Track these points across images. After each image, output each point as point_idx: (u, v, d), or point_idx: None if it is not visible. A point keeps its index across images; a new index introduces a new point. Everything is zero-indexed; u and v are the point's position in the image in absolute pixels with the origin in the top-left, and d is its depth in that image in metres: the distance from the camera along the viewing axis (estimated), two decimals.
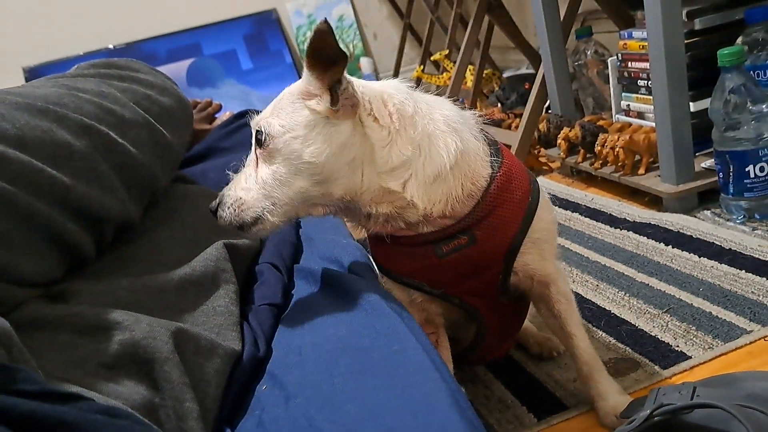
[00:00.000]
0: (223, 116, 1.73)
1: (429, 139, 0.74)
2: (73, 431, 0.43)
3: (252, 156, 0.76)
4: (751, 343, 0.95)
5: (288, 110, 0.74)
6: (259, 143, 0.74)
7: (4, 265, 0.59)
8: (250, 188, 0.75)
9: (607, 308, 1.12)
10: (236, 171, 0.80)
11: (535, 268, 0.82)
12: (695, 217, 1.38)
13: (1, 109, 0.67)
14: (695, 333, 0.99)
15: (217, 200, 0.77)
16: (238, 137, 1.50)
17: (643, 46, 1.56)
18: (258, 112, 1.67)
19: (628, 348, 1.00)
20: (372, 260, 0.85)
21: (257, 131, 0.74)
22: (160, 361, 0.59)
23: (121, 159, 0.76)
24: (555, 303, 0.85)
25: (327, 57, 0.70)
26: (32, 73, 3.45)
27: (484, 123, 0.82)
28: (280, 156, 0.73)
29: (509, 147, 1.86)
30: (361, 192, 0.74)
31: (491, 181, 0.77)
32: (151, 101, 0.90)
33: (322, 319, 0.71)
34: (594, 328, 1.07)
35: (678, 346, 0.98)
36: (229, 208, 0.75)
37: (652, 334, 1.02)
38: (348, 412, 0.53)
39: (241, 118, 1.56)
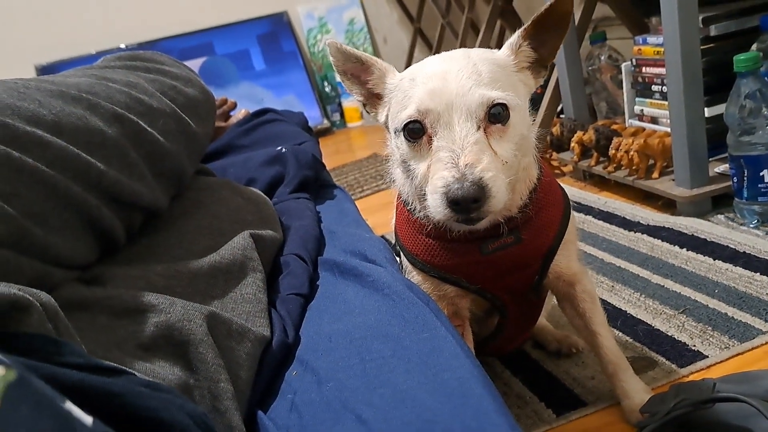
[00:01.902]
0: (238, 114, 1.75)
1: None
2: (120, 400, 0.44)
3: (466, 133, 0.68)
4: (767, 343, 0.96)
5: (508, 81, 0.72)
6: (495, 118, 0.69)
7: (44, 244, 0.61)
8: (492, 168, 0.67)
9: (623, 309, 1.13)
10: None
11: (562, 267, 0.83)
12: (709, 221, 1.39)
13: (38, 96, 0.68)
14: (711, 333, 1.00)
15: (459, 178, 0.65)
16: (255, 135, 1.51)
17: (657, 51, 1.58)
18: (276, 111, 1.69)
19: (645, 347, 1.01)
20: (399, 255, 0.87)
21: (497, 105, 0.68)
22: (194, 343, 0.60)
23: (150, 147, 0.78)
24: (580, 302, 0.86)
25: (555, 22, 0.72)
26: (44, 71, 3.48)
27: None
28: (514, 131, 0.70)
29: None
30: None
31: (537, 183, 0.79)
32: (176, 91, 0.91)
33: (350, 308, 0.72)
34: (611, 327, 1.08)
35: (695, 346, 0.98)
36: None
37: (669, 333, 1.03)
38: (383, 395, 0.54)
39: (259, 116, 1.58)
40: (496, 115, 0.69)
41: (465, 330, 0.87)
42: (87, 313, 0.60)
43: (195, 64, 3.64)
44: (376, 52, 3.99)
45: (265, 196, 1.02)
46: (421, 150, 0.71)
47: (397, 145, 0.75)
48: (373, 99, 0.80)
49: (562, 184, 1.82)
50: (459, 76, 0.69)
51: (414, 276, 0.84)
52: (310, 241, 0.89)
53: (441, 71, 0.70)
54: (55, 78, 0.79)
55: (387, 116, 0.78)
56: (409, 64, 3.87)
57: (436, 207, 0.67)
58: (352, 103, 3.74)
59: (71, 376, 0.44)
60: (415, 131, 0.70)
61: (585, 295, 0.87)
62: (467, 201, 0.64)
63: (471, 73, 0.69)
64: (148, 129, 0.78)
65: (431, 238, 0.80)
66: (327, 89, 3.79)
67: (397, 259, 0.89)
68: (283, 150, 1.25)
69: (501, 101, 0.68)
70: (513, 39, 0.75)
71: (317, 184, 1.25)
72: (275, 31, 3.77)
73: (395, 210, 0.88)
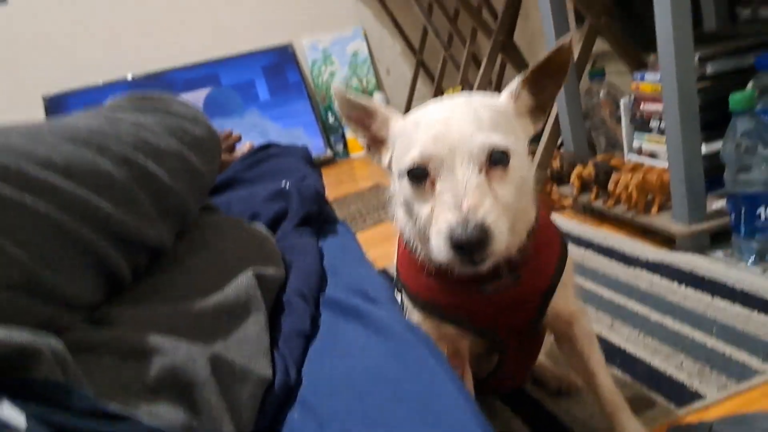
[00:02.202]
0: (243, 147, 1.77)
1: None
2: None
3: (469, 177, 0.69)
4: (764, 383, 0.96)
5: (508, 127, 0.74)
6: (496, 162, 0.71)
7: (54, 286, 0.62)
8: (494, 211, 0.68)
9: (622, 346, 1.14)
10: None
11: (560, 307, 0.84)
12: (707, 257, 1.40)
13: (51, 140, 0.70)
14: (709, 372, 1.01)
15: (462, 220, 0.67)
16: (259, 169, 1.54)
17: (655, 88, 1.60)
18: (280, 145, 1.71)
19: (643, 386, 1.02)
20: (400, 292, 0.88)
21: (496, 150, 0.70)
22: (198, 385, 0.61)
23: (156, 187, 0.79)
24: (578, 342, 0.87)
25: (553, 71, 0.75)
26: (52, 102, 3.53)
27: None
28: (514, 174, 0.72)
29: None
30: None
31: (536, 224, 0.81)
32: (183, 131, 0.94)
33: (351, 349, 0.73)
34: (609, 366, 1.08)
35: (692, 385, 0.99)
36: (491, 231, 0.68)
37: (667, 372, 1.04)
38: None
39: (263, 150, 1.61)
40: (497, 159, 0.71)
41: (464, 370, 0.88)
42: (94, 354, 0.61)
43: (201, 94, 3.70)
44: (379, 83, 4.04)
45: (269, 232, 1.03)
46: (424, 193, 0.73)
47: (400, 188, 0.77)
48: (376, 143, 0.82)
49: (562, 217, 1.85)
50: (461, 122, 0.71)
51: (415, 315, 0.85)
52: (313, 279, 0.91)
53: (443, 117, 0.73)
54: (67, 121, 0.81)
55: (391, 159, 0.80)
56: (411, 94, 3.92)
57: (440, 249, 0.68)
58: None
59: (78, 423, 0.45)
60: (419, 175, 0.72)
61: (583, 335, 0.88)
62: (471, 244, 0.66)
63: (473, 119, 0.72)
64: (156, 169, 0.80)
65: (432, 277, 0.81)
66: (330, 119, 3.83)
67: (398, 296, 0.91)
68: (287, 185, 1.27)
69: (502, 146, 0.70)
70: (513, 86, 0.78)
71: (320, 219, 1.27)
72: (280, 63, 3.83)
73: (397, 249, 0.90)
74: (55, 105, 3.53)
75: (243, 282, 0.80)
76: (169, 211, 0.82)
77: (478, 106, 0.73)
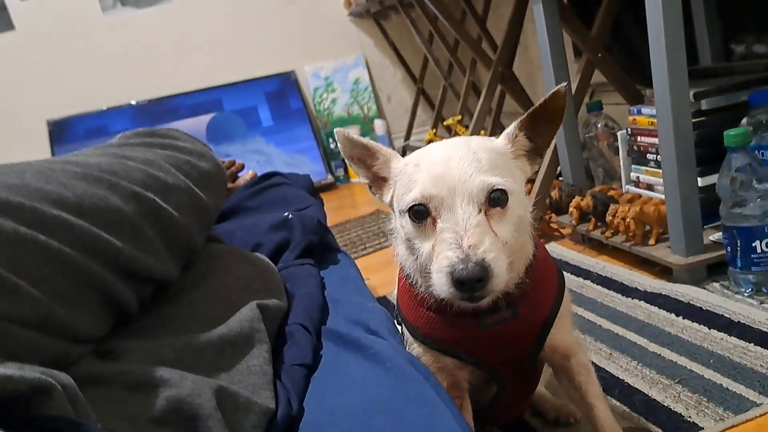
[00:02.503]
0: (246, 176, 1.80)
1: None
2: None
3: (469, 216, 0.72)
4: (761, 416, 0.97)
5: (506, 168, 0.77)
6: (495, 202, 0.73)
7: (65, 322, 0.64)
8: (494, 249, 0.70)
9: (620, 377, 1.15)
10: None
11: (558, 341, 0.86)
12: (704, 288, 1.42)
13: (63, 178, 0.73)
14: (706, 404, 1.02)
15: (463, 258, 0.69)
16: (262, 198, 1.56)
17: (651, 122, 1.63)
18: (282, 174, 1.74)
19: (641, 417, 1.03)
20: (401, 324, 0.90)
21: (497, 190, 0.73)
22: (203, 418, 0.63)
23: (164, 222, 0.82)
24: (576, 374, 0.89)
25: (549, 116, 0.78)
26: (56, 126, 3.57)
27: None
28: (513, 213, 0.74)
29: None
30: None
31: (533, 259, 0.83)
32: (190, 166, 0.96)
33: (352, 381, 0.75)
34: (608, 397, 1.10)
35: (690, 417, 1.00)
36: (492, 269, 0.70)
37: (665, 404, 1.05)
38: None
39: (267, 179, 1.63)
40: (495, 199, 0.73)
41: (464, 401, 0.89)
42: (101, 388, 0.63)
43: (204, 119, 3.74)
44: (380, 111, 4.09)
45: (271, 263, 1.05)
46: (425, 230, 0.75)
47: (401, 225, 0.80)
48: (378, 181, 0.85)
49: (561, 247, 1.86)
50: (461, 163, 0.74)
51: (415, 348, 0.87)
52: (315, 310, 0.93)
53: (444, 158, 0.76)
54: (78, 158, 0.83)
55: (392, 197, 0.83)
56: (412, 122, 3.97)
57: (441, 286, 0.71)
58: None
59: None
60: (420, 213, 0.75)
61: (580, 368, 0.89)
62: (472, 281, 0.68)
63: (472, 160, 0.74)
64: (163, 205, 0.82)
65: (432, 311, 0.83)
66: (332, 145, 3.87)
67: (399, 328, 0.92)
68: (290, 216, 1.29)
69: (500, 187, 0.73)
70: (510, 129, 0.81)
71: (322, 249, 1.29)
72: (283, 89, 3.89)
73: (398, 283, 0.92)
74: (58, 129, 3.57)
75: (246, 314, 0.82)
76: (176, 245, 0.84)
77: (477, 148, 0.76)
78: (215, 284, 0.89)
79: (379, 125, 3.90)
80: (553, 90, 0.77)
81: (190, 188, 0.91)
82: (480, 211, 0.72)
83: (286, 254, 1.18)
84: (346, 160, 0.85)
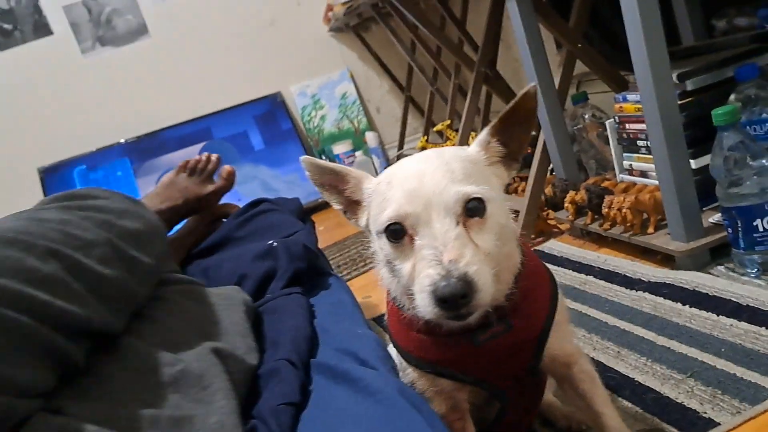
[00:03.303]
0: (222, 172, 1.72)
1: None
2: None
3: (447, 229, 0.68)
4: None
5: (481, 176, 0.74)
6: (473, 212, 0.70)
7: (5, 378, 0.62)
8: (476, 261, 0.67)
9: (630, 376, 1.11)
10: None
11: (557, 350, 0.83)
12: (709, 273, 1.38)
13: None
14: (721, 397, 0.98)
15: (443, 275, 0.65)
16: (251, 226, 1.53)
17: (638, 108, 1.60)
18: (270, 200, 1.70)
19: (655, 418, 0.98)
20: (394, 349, 0.86)
21: (473, 200, 0.70)
22: None
23: (89, 277, 0.79)
24: (579, 383, 0.85)
25: (521, 119, 0.75)
26: (47, 173, 3.57)
27: None
28: (493, 221, 0.71)
29: (517, 212, 1.89)
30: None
31: (522, 268, 0.79)
32: (110, 224, 0.92)
33: (342, 418, 0.71)
34: (619, 399, 1.06)
35: (705, 413, 0.96)
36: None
37: (678, 400, 1.00)
38: None
39: (255, 207, 1.60)
40: (473, 209, 0.70)
41: (466, 422, 0.85)
42: None
43: (195, 149, 3.73)
44: (370, 123, 4.07)
45: (241, 297, 1.01)
46: (404, 250, 0.72)
47: (380, 247, 0.76)
48: (352, 206, 0.82)
49: (560, 243, 1.82)
50: (434, 176, 0.71)
51: (409, 372, 0.83)
52: (302, 343, 0.89)
53: (416, 172, 0.72)
54: None
55: (368, 220, 0.79)
56: (403, 130, 3.94)
57: (425, 306, 0.67)
58: None
59: None
60: (397, 232, 0.71)
61: (583, 375, 0.85)
62: (455, 297, 0.65)
63: (445, 171, 0.71)
64: (85, 260, 0.80)
65: (423, 333, 0.79)
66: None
67: (392, 354, 0.89)
68: (275, 244, 1.26)
69: (476, 195, 0.70)
70: (482, 136, 0.78)
71: (312, 274, 1.26)
72: (271, 111, 3.87)
73: (387, 306, 0.88)
74: (50, 176, 3.56)
75: (200, 365, 0.78)
76: (110, 297, 0.82)
77: (450, 159, 0.73)
78: (166, 331, 0.85)
79: (370, 137, 3.87)
80: (523, 91, 0.74)
81: (113, 242, 0.87)
82: (458, 223, 0.69)
83: (273, 284, 1.15)
84: (317, 188, 0.82)
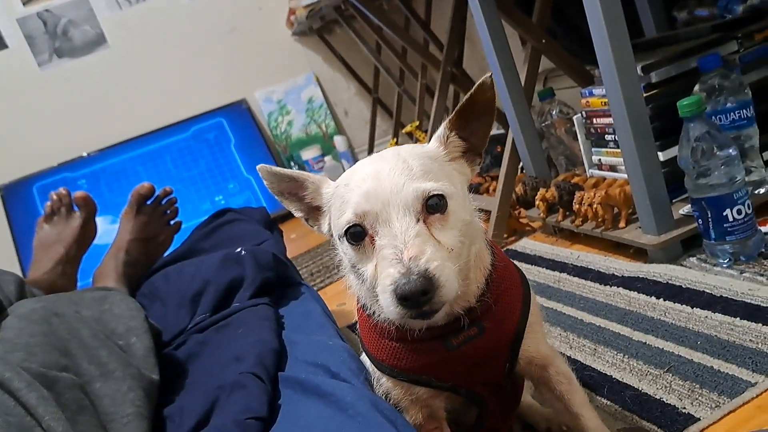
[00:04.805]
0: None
1: None
2: None
3: (406, 227, 0.67)
4: (758, 396, 0.92)
5: (441, 172, 0.72)
6: (433, 208, 0.68)
7: None
8: (438, 258, 0.65)
9: (608, 373, 1.09)
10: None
11: (532, 351, 0.81)
12: (682, 265, 1.37)
13: None
14: (700, 391, 0.97)
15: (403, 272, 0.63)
16: (216, 237, 1.49)
17: (605, 102, 1.59)
18: (235, 210, 1.66)
19: (634, 415, 0.97)
20: (366, 359, 0.83)
21: (433, 196, 0.68)
22: None
23: None
24: (556, 384, 0.83)
25: (479, 112, 0.73)
26: (7, 191, 3.47)
27: None
28: (456, 218, 0.70)
29: (489, 212, 1.87)
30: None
31: (492, 269, 0.77)
32: None
33: None
34: (597, 397, 1.04)
35: (685, 408, 0.95)
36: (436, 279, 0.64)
37: (657, 396, 0.99)
38: None
39: (219, 217, 1.56)
40: (433, 205, 0.69)
41: (443, 431, 0.83)
42: None
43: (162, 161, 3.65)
44: (338, 126, 4.03)
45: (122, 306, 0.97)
46: (365, 251, 0.70)
47: (344, 251, 0.74)
48: (313, 212, 0.80)
49: (533, 241, 1.81)
50: (391, 174, 0.69)
51: (384, 382, 0.81)
52: (269, 357, 0.86)
53: (373, 172, 0.71)
54: None
55: (329, 225, 0.77)
56: (372, 133, 3.91)
57: (388, 306, 0.65)
58: None
59: None
60: (357, 234, 0.70)
61: (560, 377, 0.83)
62: (416, 295, 0.63)
63: (402, 169, 0.69)
64: None
65: (395, 341, 0.77)
66: (294, 168, 3.80)
67: (366, 363, 0.86)
68: (242, 252, 1.22)
69: (436, 191, 0.68)
70: (440, 131, 0.76)
71: (281, 284, 1.22)
72: (236, 119, 3.80)
73: (357, 315, 0.85)
74: (11, 193, 3.46)
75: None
76: None
77: (407, 156, 0.71)
78: None
79: (339, 142, 3.84)
80: (478, 83, 0.72)
81: None
82: (418, 221, 0.68)
83: (240, 293, 1.11)
84: (276, 197, 0.79)
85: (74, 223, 1.53)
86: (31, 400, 0.69)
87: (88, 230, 1.55)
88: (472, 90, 0.72)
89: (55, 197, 1.55)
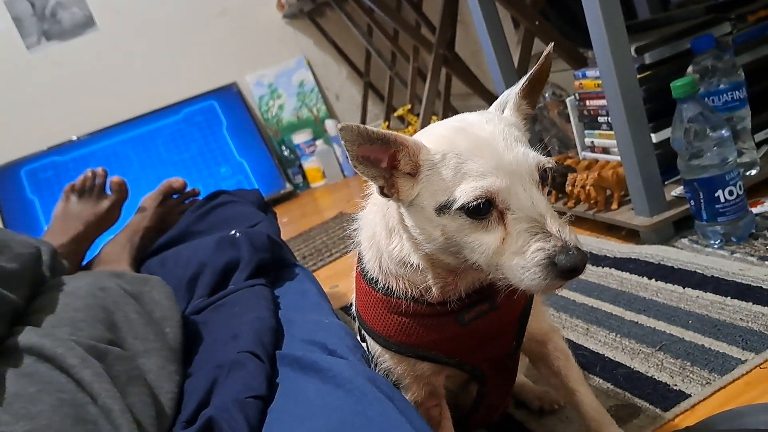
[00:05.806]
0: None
1: None
2: None
3: (537, 199, 0.65)
4: (747, 372, 0.94)
5: (525, 139, 0.70)
6: (545, 181, 0.67)
7: None
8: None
9: (600, 352, 1.11)
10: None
11: (534, 328, 0.82)
12: (674, 246, 1.38)
13: None
14: (691, 369, 0.98)
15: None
16: (210, 219, 1.49)
17: (598, 84, 1.59)
18: (229, 192, 1.65)
19: (626, 393, 0.98)
20: (365, 341, 0.84)
21: (548, 169, 0.67)
22: None
23: None
24: (554, 360, 0.84)
25: (542, 80, 0.73)
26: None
27: None
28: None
29: None
30: None
31: None
32: None
33: (312, 409, 0.68)
34: (591, 375, 1.05)
35: (676, 385, 0.96)
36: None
37: (649, 374, 1.00)
38: None
39: (213, 199, 1.55)
40: (545, 177, 0.68)
41: (442, 409, 0.84)
42: None
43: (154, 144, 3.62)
44: (330, 110, 4.01)
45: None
46: (487, 225, 0.66)
47: (442, 224, 0.68)
48: (392, 179, 0.71)
49: None
50: (509, 144, 0.66)
51: (387, 359, 0.80)
52: (267, 336, 0.86)
53: (487, 141, 0.66)
54: None
55: (418, 195, 0.70)
56: (363, 117, 3.90)
57: (532, 279, 0.64)
58: (312, 163, 3.74)
59: None
60: (479, 209, 0.65)
61: (558, 353, 0.85)
62: (580, 268, 0.63)
63: (515, 138, 0.67)
64: None
65: (406, 316, 0.76)
66: (286, 153, 3.79)
67: (363, 345, 0.86)
68: (237, 234, 1.22)
69: (549, 165, 0.68)
70: (514, 100, 0.73)
71: (276, 266, 1.22)
72: (228, 102, 3.78)
73: (356, 293, 0.85)
74: (2, 177, 3.43)
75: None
76: None
77: (505, 126, 0.69)
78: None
79: (330, 126, 3.82)
80: (546, 52, 0.71)
81: None
82: (542, 191, 0.67)
83: (236, 275, 1.11)
84: (351, 162, 0.69)
85: (103, 205, 1.53)
86: (86, 377, 0.69)
87: (112, 215, 1.55)
88: (541, 58, 0.71)
89: (91, 174, 1.55)
